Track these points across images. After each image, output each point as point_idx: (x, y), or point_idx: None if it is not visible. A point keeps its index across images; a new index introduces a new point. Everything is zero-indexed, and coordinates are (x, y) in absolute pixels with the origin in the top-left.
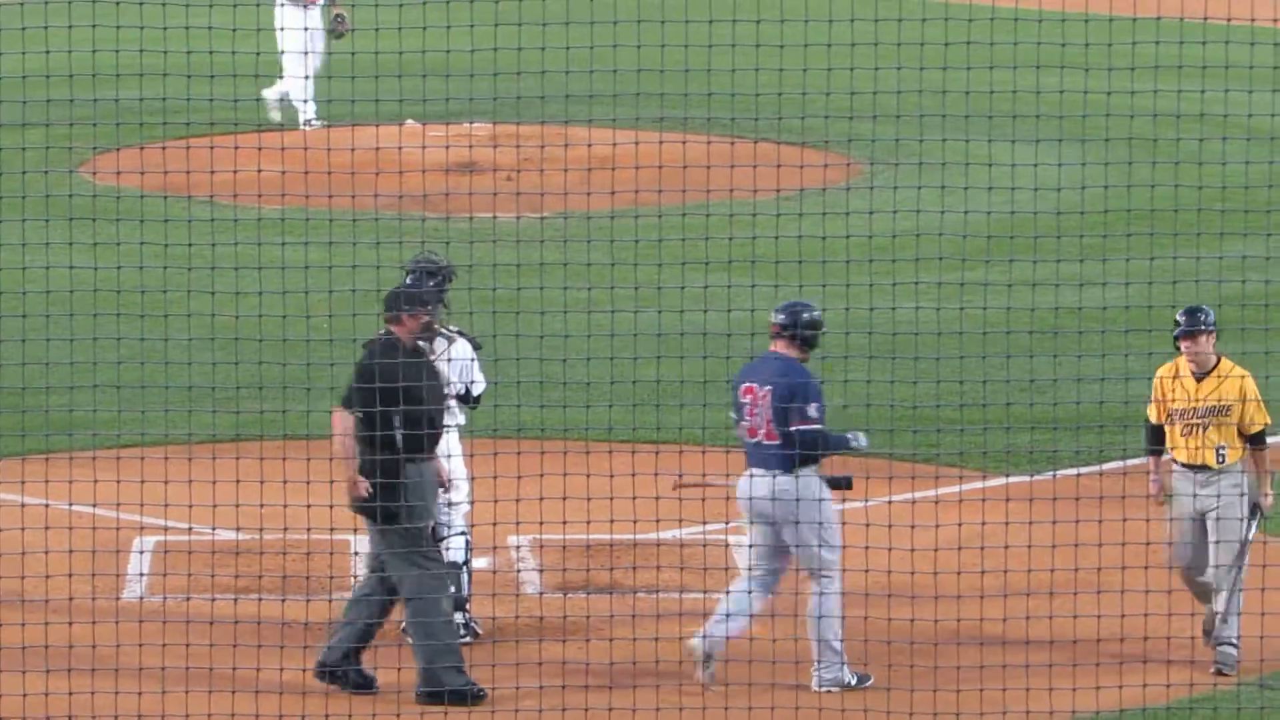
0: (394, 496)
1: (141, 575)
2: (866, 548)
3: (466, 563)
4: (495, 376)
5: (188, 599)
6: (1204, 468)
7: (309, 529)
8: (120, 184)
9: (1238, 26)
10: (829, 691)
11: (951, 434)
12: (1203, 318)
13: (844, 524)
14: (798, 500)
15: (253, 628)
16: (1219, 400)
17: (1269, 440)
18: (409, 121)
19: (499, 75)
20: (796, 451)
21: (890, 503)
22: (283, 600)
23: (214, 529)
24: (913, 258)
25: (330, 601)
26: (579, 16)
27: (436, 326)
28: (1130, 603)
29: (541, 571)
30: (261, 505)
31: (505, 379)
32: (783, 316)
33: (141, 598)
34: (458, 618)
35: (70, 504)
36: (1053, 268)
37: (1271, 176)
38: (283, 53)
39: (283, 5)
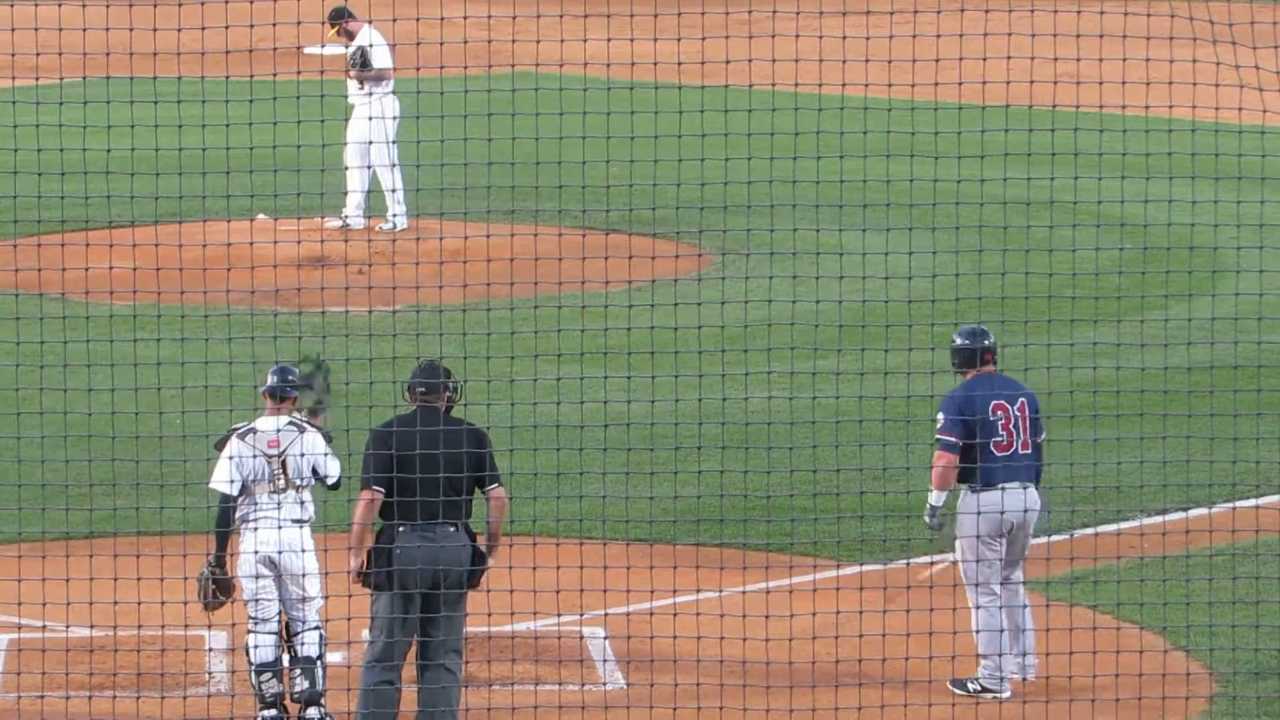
0: None
1: None
2: (721, 638)
3: (320, 657)
4: (348, 471)
5: (42, 697)
6: None
7: (163, 625)
8: None
9: (1086, 113)
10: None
11: (805, 523)
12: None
13: (697, 614)
14: (1043, 510)
15: None
16: None
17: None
18: (260, 216)
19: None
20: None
21: (744, 593)
22: (137, 697)
23: (68, 626)
24: (765, 347)
25: (185, 699)
26: (429, 109)
27: (292, 415)
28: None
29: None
30: (115, 602)
31: (359, 473)
32: (992, 339)
33: None
34: (312, 713)
35: None
36: (904, 356)
37: (1122, 263)
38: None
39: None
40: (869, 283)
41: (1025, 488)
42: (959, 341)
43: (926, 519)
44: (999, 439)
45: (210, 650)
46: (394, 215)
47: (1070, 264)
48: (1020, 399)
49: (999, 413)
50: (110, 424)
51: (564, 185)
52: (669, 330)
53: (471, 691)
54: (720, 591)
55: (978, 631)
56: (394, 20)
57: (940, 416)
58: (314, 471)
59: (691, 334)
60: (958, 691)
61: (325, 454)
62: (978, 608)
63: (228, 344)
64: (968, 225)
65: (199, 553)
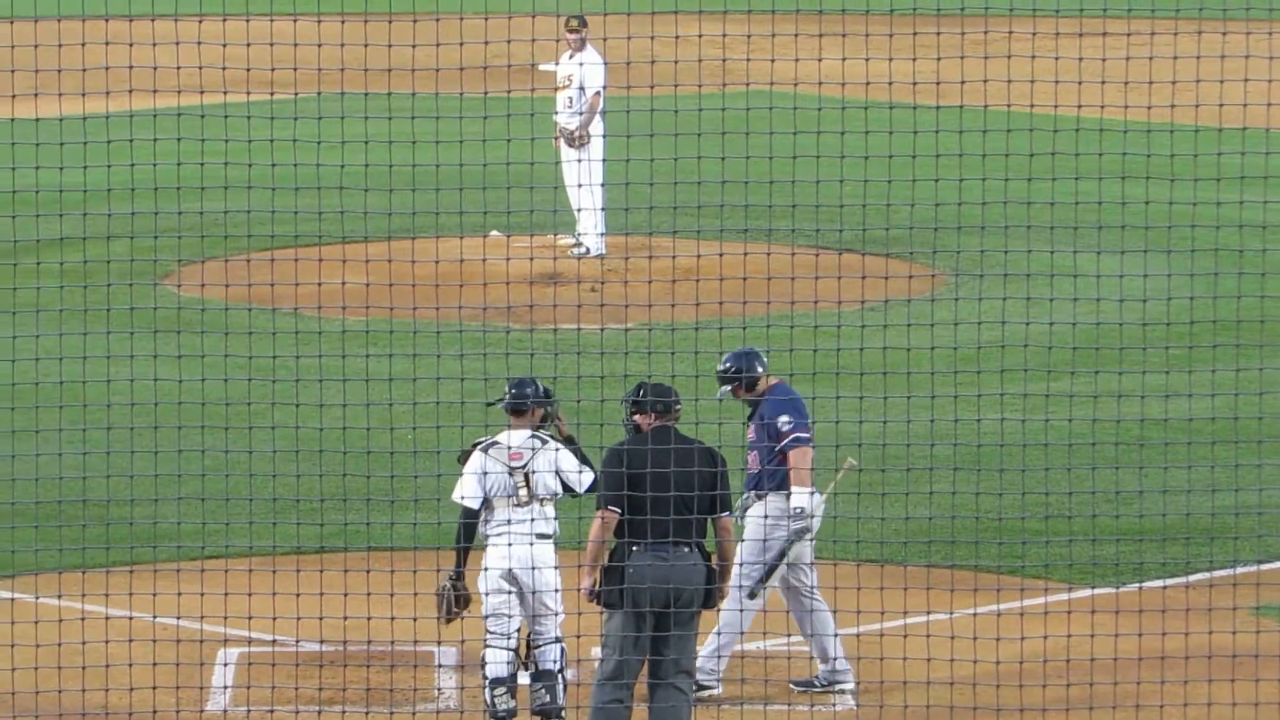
0: None
1: (226, 688)
2: (952, 660)
3: (561, 671)
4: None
5: (271, 711)
6: None
7: (392, 641)
8: (205, 296)
9: None
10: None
11: (1036, 546)
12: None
13: (928, 636)
14: None
15: None
16: None
17: None
18: (494, 232)
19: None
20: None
21: (975, 615)
22: (366, 713)
23: (298, 641)
24: (998, 369)
25: (414, 714)
26: (663, 128)
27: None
28: (1217, 716)
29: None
30: (345, 617)
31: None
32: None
33: (226, 710)
34: None
35: (154, 616)
36: (1138, 379)
37: None
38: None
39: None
40: (1103, 305)
41: None
42: (764, 363)
43: (797, 524)
44: None
45: (440, 666)
46: (582, 235)
47: None
48: None
49: None
50: (342, 439)
51: (797, 204)
52: (902, 350)
53: (701, 711)
54: (951, 613)
55: (813, 635)
56: (628, 38)
57: (787, 419)
58: (562, 484)
59: (924, 354)
60: (803, 689)
61: (578, 470)
62: (814, 613)
63: (460, 360)
64: (1203, 248)
65: (429, 569)
